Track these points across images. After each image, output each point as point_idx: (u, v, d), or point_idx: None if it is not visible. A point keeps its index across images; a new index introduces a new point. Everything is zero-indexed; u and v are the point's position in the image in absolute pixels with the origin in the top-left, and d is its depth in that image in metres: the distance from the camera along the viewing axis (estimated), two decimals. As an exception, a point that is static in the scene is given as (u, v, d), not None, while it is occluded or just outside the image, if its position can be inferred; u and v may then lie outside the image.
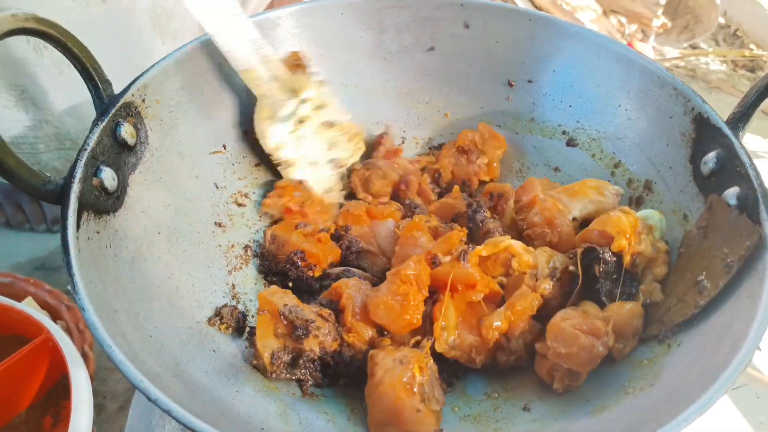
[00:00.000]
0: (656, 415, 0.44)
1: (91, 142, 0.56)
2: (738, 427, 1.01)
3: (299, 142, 0.75)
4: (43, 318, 0.72)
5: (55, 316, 0.80)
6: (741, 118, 0.60)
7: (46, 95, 0.82)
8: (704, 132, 0.62)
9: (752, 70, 1.74)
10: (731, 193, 0.57)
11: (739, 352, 0.44)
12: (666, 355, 0.53)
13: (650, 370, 0.53)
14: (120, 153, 0.60)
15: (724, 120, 0.61)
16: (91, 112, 0.58)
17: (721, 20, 1.87)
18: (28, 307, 0.74)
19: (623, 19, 1.71)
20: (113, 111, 0.59)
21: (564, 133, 0.77)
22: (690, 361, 0.50)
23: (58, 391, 0.75)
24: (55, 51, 0.76)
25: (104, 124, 0.58)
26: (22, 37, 0.75)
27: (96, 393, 0.85)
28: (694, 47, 1.82)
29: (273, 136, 0.72)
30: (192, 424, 0.40)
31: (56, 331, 0.69)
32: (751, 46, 1.82)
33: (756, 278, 0.50)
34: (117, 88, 0.61)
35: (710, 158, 0.60)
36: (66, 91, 0.83)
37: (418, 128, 0.83)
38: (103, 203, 0.56)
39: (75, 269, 0.47)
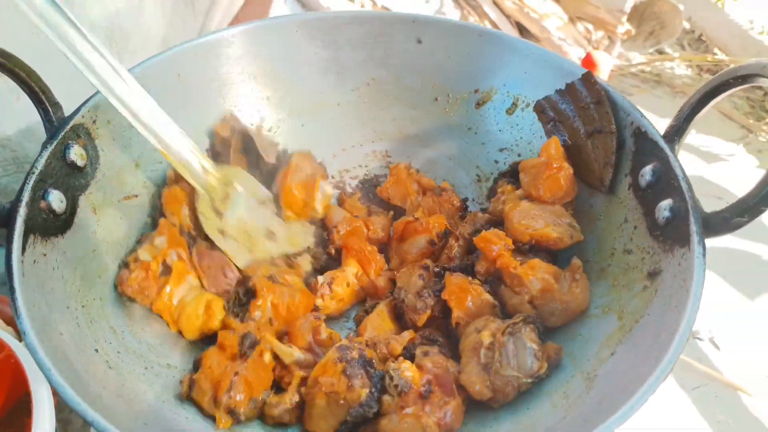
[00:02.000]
0: (583, 424, 0.46)
1: (40, 165, 0.57)
2: (697, 426, 1.03)
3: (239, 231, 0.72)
4: (4, 335, 0.71)
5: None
6: (677, 131, 0.62)
7: (2, 121, 0.82)
8: (642, 145, 0.64)
9: (716, 74, 1.78)
10: (665, 204, 0.58)
11: (662, 362, 0.46)
12: (603, 363, 0.55)
13: (587, 379, 0.55)
14: (70, 174, 0.60)
15: (662, 134, 0.63)
16: (50, 134, 0.59)
17: (686, 25, 1.91)
18: (-9, 325, 0.74)
19: (589, 26, 1.74)
20: (62, 134, 0.60)
21: (510, 147, 0.79)
22: (621, 371, 0.51)
23: (21, 408, 0.74)
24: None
25: (53, 147, 0.59)
26: None
27: (62, 408, 0.85)
28: (659, 52, 1.85)
29: (212, 227, 0.70)
30: (128, 445, 0.41)
31: (18, 348, 0.69)
32: (715, 50, 1.86)
33: (684, 290, 0.51)
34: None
35: (647, 171, 0.62)
36: (23, 115, 0.83)
37: (375, 142, 0.85)
38: (51, 225, 0.57)
39: (18, 293, 0.48)
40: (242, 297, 0.65)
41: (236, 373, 0.55)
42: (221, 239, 0.68)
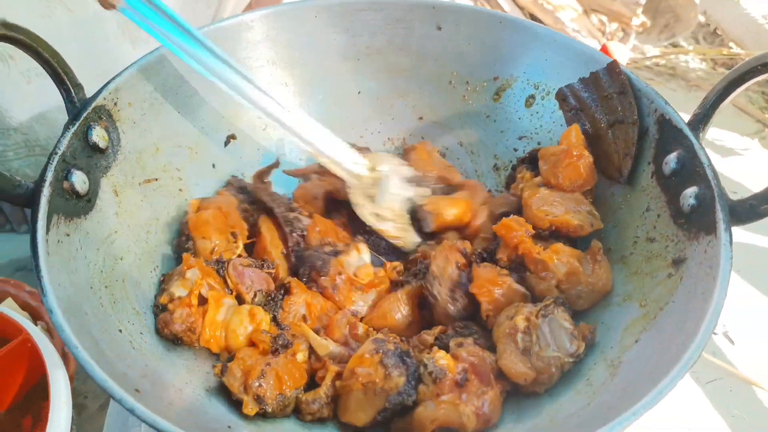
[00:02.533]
0: (608, 411, 0.45)
1: (62, 146, 0.57)
2: (712, 420, 1.02)
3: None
4: (21, 319, 0.72)
5: (36, 317, 0.80)
6: (702, 119, 0.62)
7: (13, 104, 0.83)
8: (666, 133, 0.63)
9: (731, 68, 1.76)
10: (691, 192, 0.58)
11: (690, 348, 0.46)
12: (627, 351, 0.55)
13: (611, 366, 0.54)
14: (92, 156, 0.60)
15: (686, 121, 0.62)
16: (60, 119, 0.58)
17: (701, 19, 1.89)
18: (8, 308, 0.74)
19: (604, 18, 1.73)
20: (85, 115, 0.60)
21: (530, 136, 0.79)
22: (646, 357, 0.51)
23: (38, 391, 0.75)
24: (23, 61, 0.76)
25: (75, 127, 0.59)
26: None
27: (77, 393, 0.86)
28: (674, 45, 1.84)
29: (367, 213, 0.73)
30: (156, 423, 0.41)
31: (35, 332, 0.70)
32: (730, 44, 1.84)
33: (710, 277, 0.51)
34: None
35: (671, 158, 0.61)
36: (34, 99, 0.83)
37: (392, 129, 0.84)
38: (74, 206, 0.57)
39: (43, 272, 0.48)
40: (278, 295, 0.65)
41: (268, 364, 0.55)
42: (377, 222, 0.72)
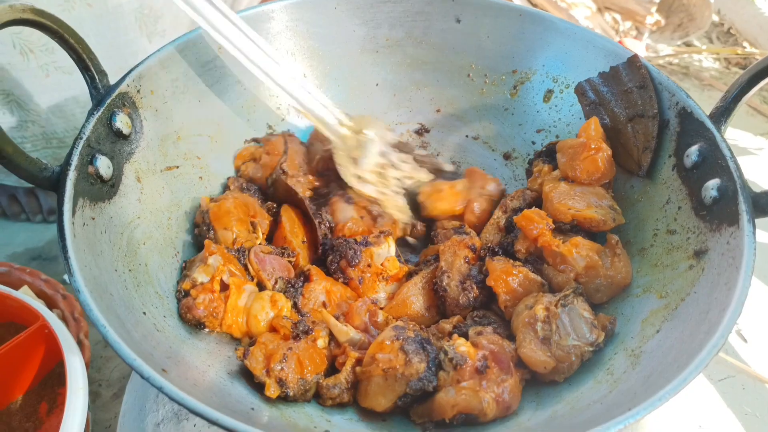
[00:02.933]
0: (633, 397, 0.45)
1: (87, 131, 0.57)
2: (724, 418, 1.02)
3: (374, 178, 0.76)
4: (39, 305, 0.72)
5: (51, 305, 0.81)
6: (724, 112, 0.62)
7: (32, 97, 0.83)
8: (688, 126, 0.63)
9: (745, 68, 1.75)
10: (713, 184, 0.58)
11: (714, 335, 0.46)
12: (648, 341, 0.55)
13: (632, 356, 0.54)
14: (115, 142, 0.61)
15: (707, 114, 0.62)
16: (78, 113, 0.59)
17: (715, 18, 1.89)
18: (25, 295, 0.74)
19: (617, 17, 1.72)
20: (109, 101, 0.60)
21: (548, 129, 0.79)
22: (668, 347, 0.51)
23: (54, 378, 0.75)
24: (42, 55, 0.77)
25: (100, 113, 0.59)
26: (8, 42, 0.76)
27: (91, 381, 0.86)
28: (687, 45, 1.83)
29: (349, 174, 0.74)
30: (185, 401, 0.41)
31: (52, 318, 0.70)
32: (744, 44, 1.83)
33: (734, 267, 0.51)
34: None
35: (693, 151, 0.61)
36: (53, 92, 0.84)
37: (410, 121, 0.85)
38: (99, 191, 0.57)
39: (71, 253, 0.48)
40: (298, 282, 0.65)
41: (290, 348, 0.55)
42: (358, 184, 0.72)
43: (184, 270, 0.63)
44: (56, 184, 0.54)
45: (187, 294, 0.59)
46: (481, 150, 0.83)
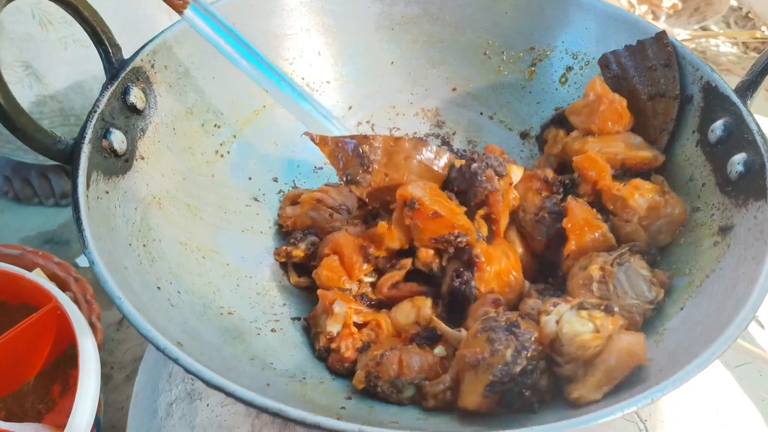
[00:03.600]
0: (659, 373, 0.44)
1: (101, 105, 0.57)
2: (740, 404, 1.01)
3: None
4: (51, 286, 0.72)
5: (64, 288, 0.80)
6: (750, 86, 0.60)
7: (50, 71, 0.83)
8: (712, 100, 0.62)
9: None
10: (738, 159, 0.57)
11: (744, 309, 0.44)
12: (672, 318, 0.54)
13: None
14: (129, 117, 0.60)
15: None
16: (96, 89, 0.59)
17: (733, 2, 1.85)
18: (38, 277, 0.74)
19: (633, 1, 1.70)
20: (123, 75, 0.60)
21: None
22: (693, 323, 0.50)
23: (66, 360, 0.76)
24: (60, 27, 0.76)
25: (114, 87, 0.59)
26: (28, 12, 0.76)
27: (103, 363, 0.86)
28: (704, 29, 1.80)
29: None
30: (200, 372, 0.40)
31: (64, 299, 0.70)
32: (762, 28, 1.80)
33: (761, 241, 0.50)
34: (124, 59, 0.61)
35: (718, 126, 0.60)
36: (71, 66, 0.83)
37: (426, 100, 0.83)
38: (113, 165, 0.56)
39: (85, 225, 0.48)
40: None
41: (393, 348, 0.54)
42: None
43: (311, 329, 0.61)
44: (70, 157, 0.53)
45: (329, 351, 0.58)
46: (498, 129, 0.81)
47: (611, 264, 0.55)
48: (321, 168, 0.78)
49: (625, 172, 0.65)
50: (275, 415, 0.39)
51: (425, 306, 0.59)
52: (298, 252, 0.66)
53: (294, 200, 0.72)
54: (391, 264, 0.62)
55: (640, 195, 0.60)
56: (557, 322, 0.49)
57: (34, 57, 0.81)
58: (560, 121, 0.73)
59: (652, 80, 0.68)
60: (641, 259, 0.56)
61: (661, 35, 0.68)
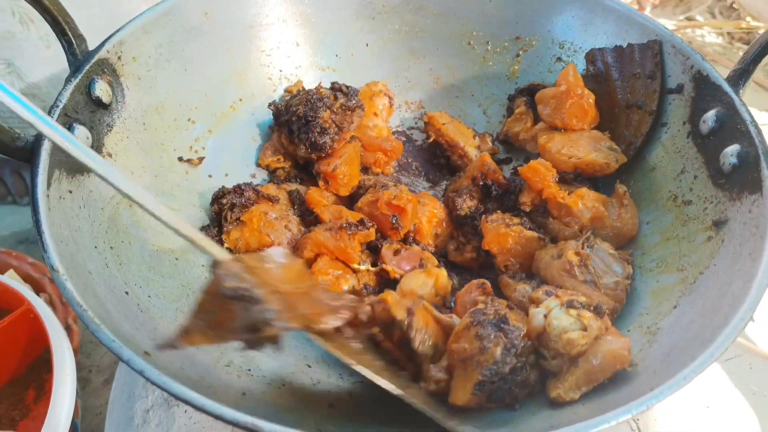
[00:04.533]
0: (653, 376, 0.42)
1: (64, 99, 0.54)
2: (731, 398, 1.00)
3: None
4: (23, 289, 0.69)
5: (39, 289, 0.78)
6: (742, 74, 0.58)
7: (32, 69, 0.80)
8: (704, 90, 0.60)
9: (748, 43, 1.72)
10: (731, 151, 0.55)
11: (741, 308, 0.43)
12: (665, 317, 0.52)
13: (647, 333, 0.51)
14: (95, 111, 0.57)
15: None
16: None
17: (718, -8, 1.85)
18: (10, 279, 0.71)
19: (619, -10, 1.68)
20: (87, 68, 0.56)
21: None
22: (688, 322, 0.48)
23: (41, 364, 0.73)
24: (42, 25, 0.72)
25: (77, 80, 0.55)
26: (8, 10, 0.72)
27: (81, 367, 0.84)
28: (689, 19, 1.79)
29: None
30: (166, 385, 0.38)
31: (38, 302, 0.67)
32: (747, 18, 1.79)
33: (758, 237, 0.48)
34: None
35: (710, 116, 0.58)
36: (53, 64, 0.80)
37: (409, 91, 0.81)
38: (77, 162, 0.53)
39: (44, 227, 0.45)
40: None
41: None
42: None
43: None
44: (30, 154, 0.50)
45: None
46: (483, 120, 0.79)
47: (582, 247, 0.55)
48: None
49: (576, 176, 0.64)
50: (248, 429, 0.36)
51: (442, 276, 0.58)
52: None
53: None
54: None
55: (584, 204, 0.61)
56: (545, 316, 0.48)
57: (16, 55, 0.78)
58: (531, 93, 0.73)
59: (633, 88, 0.67)
60: (603, 241, 0.58)
61: (653, 44, 0.66)
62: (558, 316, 0.48)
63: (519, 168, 0.64)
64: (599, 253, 0.56)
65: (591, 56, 0.71)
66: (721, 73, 0.60)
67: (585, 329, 0.47)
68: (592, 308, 0.47)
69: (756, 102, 1.52)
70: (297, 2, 0.75)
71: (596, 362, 0.45)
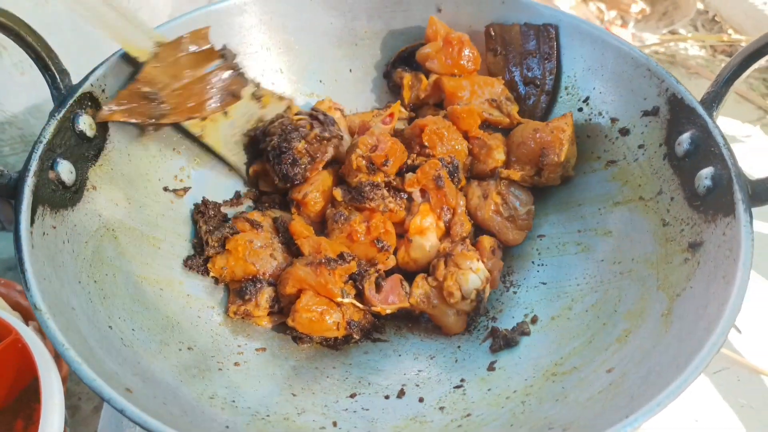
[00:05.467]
0: (630, 400, 0.43)
1: (48, 134, 0.54)
2: (719, 410, 1.00)
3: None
4: (11, 319, 0.69)
5: (28, 317, 0.77)
6: (715, 98, 0.59)
7: (8, 97, 0.80)
8: (679, 113, 0.61)
9: (731, 56, 1.74)
10: (706, 173, 0.56)
11: (714, 333, 0.43)
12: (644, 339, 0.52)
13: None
14: (79, 145, 0.58)
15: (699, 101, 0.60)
16: (57, 113, 0.56)
17: (700, 6, 1.87)
18: (-1, 309, 0.71)
19: (602, 6, 1.70)
20: (71, 102, 0.57)
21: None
22: (665, 345, 0.49)
23: (30, 393, 0.72)
24: (16, 52, 0.73)
25: (61, 115, 0.56)
26: None
27: (71, 394, 0.83)
28: (673, 33, 1.81)
29: None
30: (147, 423, 0.38)
31: (26, 332, 0.67)
32: (729, 31, 1.82)
33: (731, 260, 0.49)
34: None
35: (685, 139, 0.59)
36: (29, 91, 0.81)
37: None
38: (60, 197, 0.54)
39: (27, 265, 0.45)
40: None
41: None
42: None
43: None
44: (14, 191, 0.50)
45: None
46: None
47: (499, 187, 0.70)
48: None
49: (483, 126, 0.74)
50: (229, 465, 0.37)
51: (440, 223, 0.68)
52: (259, 311, 0.62)
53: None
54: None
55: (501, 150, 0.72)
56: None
57: None
58: (407, 61, 0.79)
59: (530, 66, 0.75)
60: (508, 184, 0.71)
61: (548, 28, 0.73)
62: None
63: (448, 108, 0.73)
64: (511, 189, 0.70)
65: (488, 32, 0.77)
66: (704, 85, 0.61)
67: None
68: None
69: (739, 114, 1.54)
70: (280, 30, 0.76)
71: None
